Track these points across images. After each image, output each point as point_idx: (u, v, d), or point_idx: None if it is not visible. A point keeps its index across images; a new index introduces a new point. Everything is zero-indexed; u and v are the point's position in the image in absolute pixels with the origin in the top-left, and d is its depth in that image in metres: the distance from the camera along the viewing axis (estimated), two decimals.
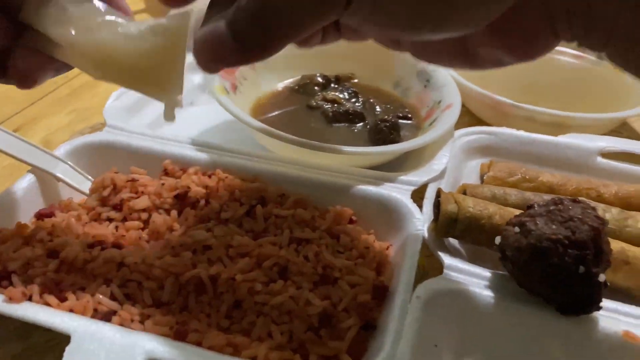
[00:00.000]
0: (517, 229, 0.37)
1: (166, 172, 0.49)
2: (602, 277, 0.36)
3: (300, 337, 0.36)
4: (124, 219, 0.44)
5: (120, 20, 0.31)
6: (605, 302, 0.38)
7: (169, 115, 0.33)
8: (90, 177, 0.49)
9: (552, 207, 0.38)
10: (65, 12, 0.31)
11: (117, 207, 0.45)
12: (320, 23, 0.26)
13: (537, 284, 0.37)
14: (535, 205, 0.39)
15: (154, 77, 0.31)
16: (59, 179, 0.47)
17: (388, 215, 0.46)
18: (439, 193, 0.44)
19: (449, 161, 0.52)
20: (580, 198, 0.41)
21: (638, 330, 0.36)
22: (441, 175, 0.49)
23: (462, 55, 0.31)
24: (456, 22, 0.26)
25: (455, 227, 0.42)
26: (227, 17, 0.27)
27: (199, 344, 0.35)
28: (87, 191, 0.47)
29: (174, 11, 0.31)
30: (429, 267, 0.44)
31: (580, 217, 0.36)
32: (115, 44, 0.31)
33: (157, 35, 0.30)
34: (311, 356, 0.35)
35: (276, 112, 0.60)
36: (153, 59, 0.31)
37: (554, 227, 0.36)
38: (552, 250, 0.35)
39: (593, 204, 0.46)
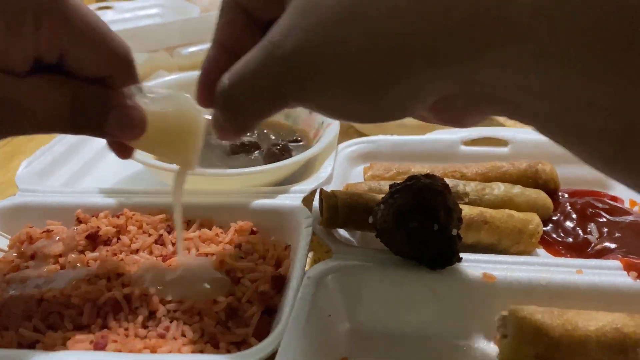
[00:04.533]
0: (382, 206, 0.44)
1: (79, 221, 0.53)
2: (454, 232, 0.43)
3: (211, 331, 0.41)
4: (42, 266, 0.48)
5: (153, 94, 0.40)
6: (467, 255, 0.45)
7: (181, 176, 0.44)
8: (7, 236, 0.52)
9: (408, 183, 0.45)
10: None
11: (34, 257, 0.48)
12: (277, 111, 0.33)
13: (406, 248, 0.44)
14: (395, 184, 0.46)
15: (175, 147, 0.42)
16: None
17: (284, 221, 0.52)
18: (321, 193, 0.50)
19: (336, 170, 0.59)
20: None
21: (494, 272, 0.43)
22: (327, 181, 0.56)
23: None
24: (388, 117, 0.31)
25: (338, 217, 0.48)
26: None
27: (118, 352, 0.39)
28: (6, 248, 0.51)
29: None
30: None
31: (429, 185, 0.44)
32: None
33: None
34: (221, 344, 0.40)
35: None
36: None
37: (409, 197, 0.43)
38: (410, 216, 0.42)
39: (455, 181, 0.54)
